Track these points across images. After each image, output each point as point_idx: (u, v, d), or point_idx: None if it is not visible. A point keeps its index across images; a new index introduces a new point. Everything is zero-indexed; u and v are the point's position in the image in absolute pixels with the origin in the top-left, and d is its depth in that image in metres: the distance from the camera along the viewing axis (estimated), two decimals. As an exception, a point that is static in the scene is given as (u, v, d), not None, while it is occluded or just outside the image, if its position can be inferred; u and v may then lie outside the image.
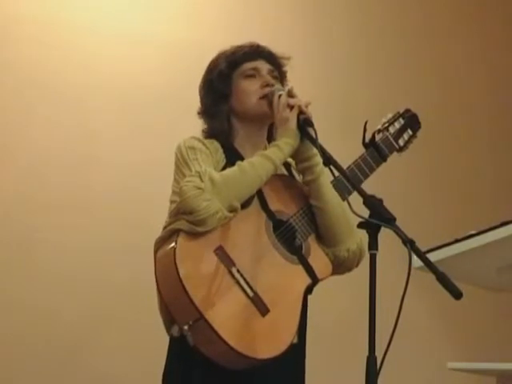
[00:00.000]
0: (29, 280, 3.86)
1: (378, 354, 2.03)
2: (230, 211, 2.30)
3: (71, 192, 4.01)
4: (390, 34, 4.82)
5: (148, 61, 4.23)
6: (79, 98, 4.08)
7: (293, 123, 2.43)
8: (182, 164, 2.41)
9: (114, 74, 4.15)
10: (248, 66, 2.55)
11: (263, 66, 2.55)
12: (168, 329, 2.33)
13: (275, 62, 2.59)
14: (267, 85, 2.51)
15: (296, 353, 2.38)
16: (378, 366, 2.03)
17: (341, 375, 4.17)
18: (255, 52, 2.57)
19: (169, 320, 2.31)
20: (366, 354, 2.04)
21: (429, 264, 2.04)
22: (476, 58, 5.03)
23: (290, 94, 2.47)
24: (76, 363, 3.87)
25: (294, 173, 2.58)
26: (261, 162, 2.38)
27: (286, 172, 2.57)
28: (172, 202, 2.39)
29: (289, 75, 2.63)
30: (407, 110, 2.73)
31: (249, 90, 2.51)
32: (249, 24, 4.36)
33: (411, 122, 2.72)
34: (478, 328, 4.66)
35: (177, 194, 2.34)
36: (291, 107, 2.44)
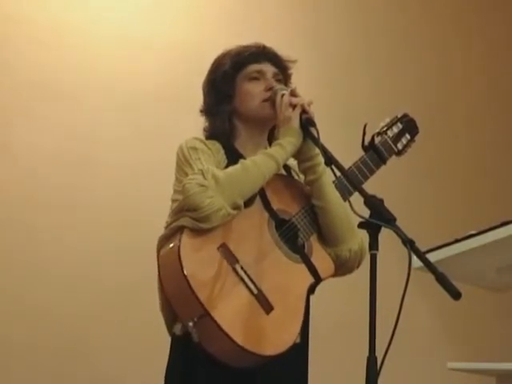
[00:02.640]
0: (29, 280, 3.86)
1: (379, 354, 2.03)
2: (234, 208, 2.30)
3: (71, 192, 4.00)
4: (391, 34, 4.82)
5: (148, 62, 4.22)
6: (79, 98, 4.08)
7: (295, 122, 2.43)
8: (184, 164, 2.41)
9: (114, 74, 4.14)
10: (253, 68, 2.54)
11: (268, 69, 2.55)
12: (170, 328, 2.35)
13: (280, 65, 2.58)
14: (271, 88, 2.50)
15: (299, 352, 2.38)
16: (378, 366, 2.03)
17: (341, 375, 4.16)
18: (261, 54, 2.55)
19: (171, 319, 2.32)
20: (367, 354, 2.04)
21: (428, 264, 2.04)
22: (477, 59, 5.03)
23: (293, 94, 2.47)
24: (76, 363, 3.86)
25: (294, 175, 2.58)
26: (264, 161, 2.38)
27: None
28: (174, 200, 2.39)
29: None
30: (405, 115, 2.72)
31: (253, 93, 2.51)
32: (249, 25, 4.36)
33: (409, 126, 2.71)
34: (478, 328, 4.66)
35: (179, 193, 2.34)
36: (294, 106, 2.44)
